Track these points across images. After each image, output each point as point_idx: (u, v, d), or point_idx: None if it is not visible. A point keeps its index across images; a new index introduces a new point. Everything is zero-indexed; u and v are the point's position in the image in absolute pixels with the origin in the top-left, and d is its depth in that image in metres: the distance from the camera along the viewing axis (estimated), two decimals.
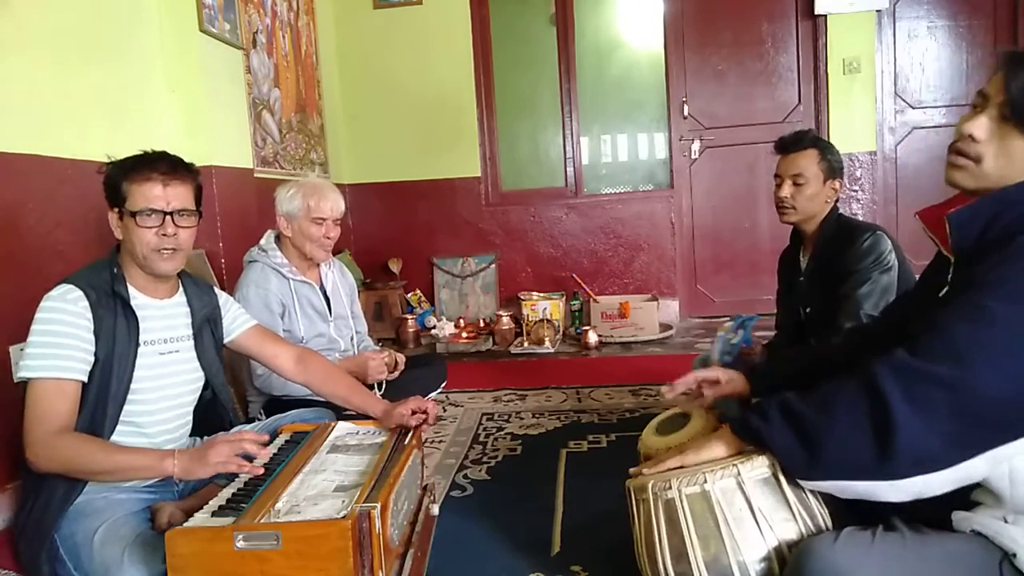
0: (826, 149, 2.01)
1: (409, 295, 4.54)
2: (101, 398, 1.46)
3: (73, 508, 1.42)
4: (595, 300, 4.16)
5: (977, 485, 1.02)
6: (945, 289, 1.14)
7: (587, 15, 4.54)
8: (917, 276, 1.41)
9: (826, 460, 1.03)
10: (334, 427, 1.68)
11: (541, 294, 4.23)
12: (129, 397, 1.50)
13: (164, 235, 1.50)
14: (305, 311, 2.30)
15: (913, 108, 4.35)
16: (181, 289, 1.67)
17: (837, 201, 2.05)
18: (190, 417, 1.69)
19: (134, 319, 1.52)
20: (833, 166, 2.01)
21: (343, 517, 1.16)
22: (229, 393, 1.81)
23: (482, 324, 4.33)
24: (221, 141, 2.87)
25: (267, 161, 3.47)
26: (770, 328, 2.39)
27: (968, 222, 1.08)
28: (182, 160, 1.57)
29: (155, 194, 1.49)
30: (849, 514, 1.11)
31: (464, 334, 4.11)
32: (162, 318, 1.60)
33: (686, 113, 4.45)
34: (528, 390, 3.08)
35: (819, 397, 1.07)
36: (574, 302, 4.32)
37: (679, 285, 4.50)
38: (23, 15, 2.06)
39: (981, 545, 1.01)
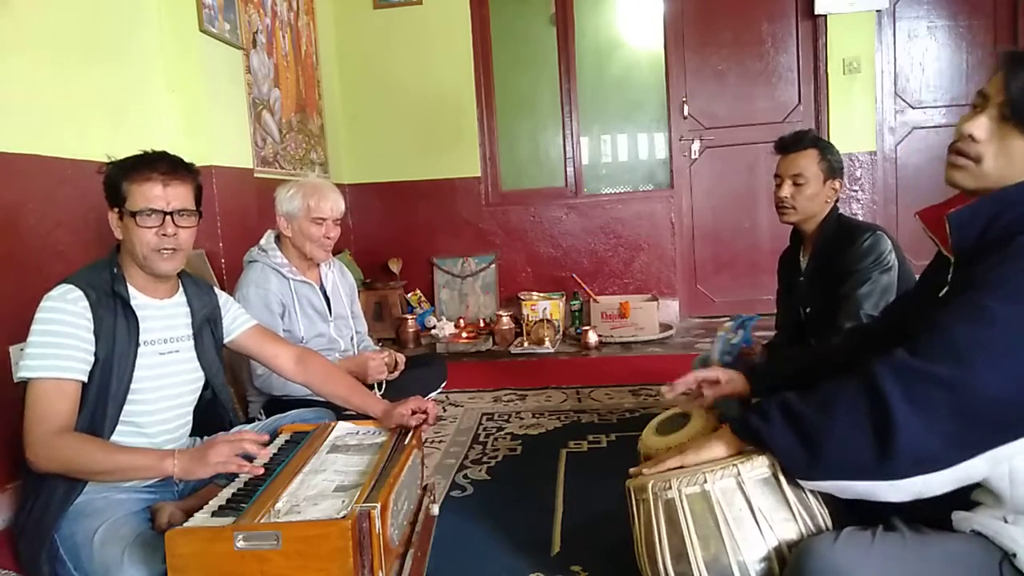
0: (826, 149, 2.01)
1: (409, 295, 4.54)
2: (101, 398, 1.46)
3: (73, 508, 1.42)
4: (595, 300, 4.16)
5: (977, 485, 1.02)
6: (945, 289, 1.14)
7: (587, 15, 4.54)
8: (917, 276, 1.41)
9: (826, 460, 1.03)
10: (334, 427, 1.68)
11: (541, 294, 4.23)
12: (129, 397, 1.50)
13: (164, 235, 1.50)
14: (305, 311, 2.30)
15: (913, 108, 4.35)
16: (181, 289, 1.67)
17: (837, 201, 2.05)
18: (190, 417, 1.69)
19: (134, 319, 1.52)
20: (833, 166, 2.01)
21: (343, 517, 1.16)
22: (229, 393, 1.81)
23: (482, 324, 4.33)
24: (221, 141, 2.87)
25: (267, 161, 3.47)
26: (770, 328, 2.39)
27: (968, 222, 1.08)
28: (182, 160, 1.57)
29: (155, 194, 1.49)
30: (849, 514, 1.11)
31: (464, 334, 4.11)
32: (162, 318, 1.60)
33: (686, 113, 4.45)
34: (528, 390, 3.08)
35: (819, 397, 1.07)
36: (574, 302, 4.32)
37: (679, 285, 4.50)
38: (23, 15, 2.06)
39: (981, 545, 1.01)
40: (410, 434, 1.59)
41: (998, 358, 0.95)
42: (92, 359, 1.45)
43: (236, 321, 1.79)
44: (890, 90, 4.35)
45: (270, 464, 1.42)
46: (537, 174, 4.70)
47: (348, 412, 1.86)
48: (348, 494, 1.28)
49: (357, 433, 1.67)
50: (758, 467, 1.11)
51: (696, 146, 4.48)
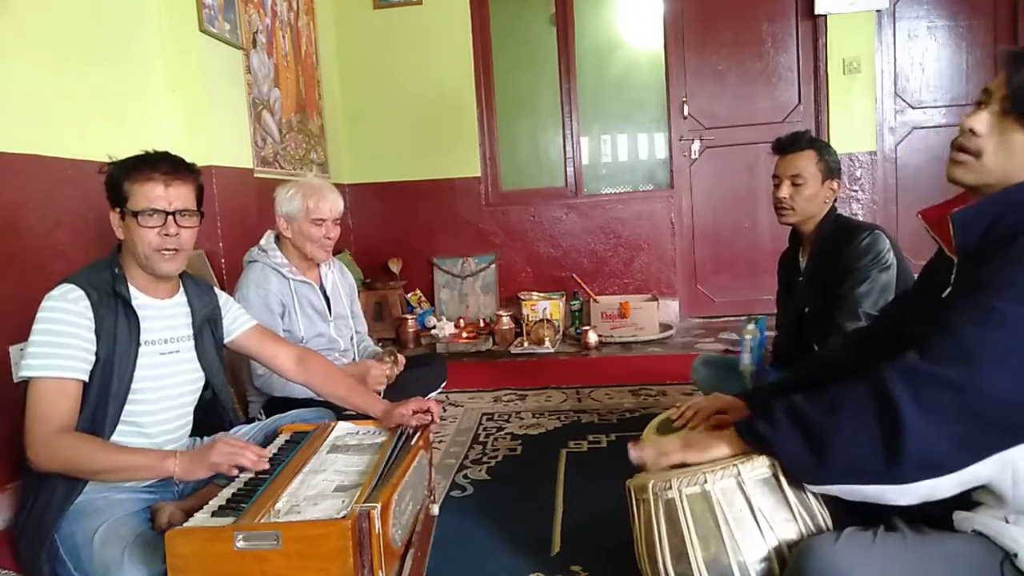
0: (824, 150, 2.01)
1: (409, 295, 4.54)
2: (102, 398, 1.46)
3: (73, 508, 1.42)
4: (595, 300, 4.16)
5: (979, 485, 1.02)
6: (948, 290, 1.13)
7: (587, 15, 4.54)
8: (915, 275, 1.41)
9: (834, 464, 1.02)
10: (334, 427, 1.68)
11: (541, 294, 4.23)
12: (130, 397, 1.50)
13: (166, 235, 1.50)
14: (305, 311, 2.30)
15: (913, 108, 4.36)
16: (182, 289, 1.67)
17: (835, 201, 2.05)
18: (190, 417, 1.69)
19: (135, 319, 1.52)
20: (831, 166, 2.01)
21: (343, 517, 1.16)
22: (229, 393, 1.81)
23: (482, 324, 4.33)
24: (221, 141, 2.87)
25: (267, 161, 3.47)
26: (771, 328, 2.38)
27: (972, 222, 1.07)
28: (184, 160, 1.57)
29: (157, 194, 1.49)
30: (850, 514, 1.11)
31: (464, 334, 4.11)
32: (163, 318, 1.60)
33: (686, 113, 4.45)
34: (528, 390, 3.08)
35: (826, 400, 1.06)
36: (574, 302, 4.32)
37: (679, 285, 4.50)
38: (23, 15, 2.06)
39: (982, 545, 1.01)
40: (417, 435, 1.59)
41: (1007, 360, 0.94)
42: (93, 359, 1.45)
43: (236, 321, 1.79)
44: (890, 90, 4.35)
45: (270, 464, 1.42)
46: (537, 174, 4.70)
47: (348, 412, 1.86)
48: (348, 494, 1.28)
49: (357, 433, 1.67)
50: (758, 467, 1.11)
51: (696, 146, 4.48)
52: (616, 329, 4.01)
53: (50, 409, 1.39)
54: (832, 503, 1.14)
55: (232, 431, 1.72)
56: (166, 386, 1.59)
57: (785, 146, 2.04)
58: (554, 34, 4.54)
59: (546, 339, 3.88)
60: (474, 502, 1.96)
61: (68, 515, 1.41)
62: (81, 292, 1.46)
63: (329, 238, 2.28)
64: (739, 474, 1.10)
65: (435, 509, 1.72)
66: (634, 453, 1.24)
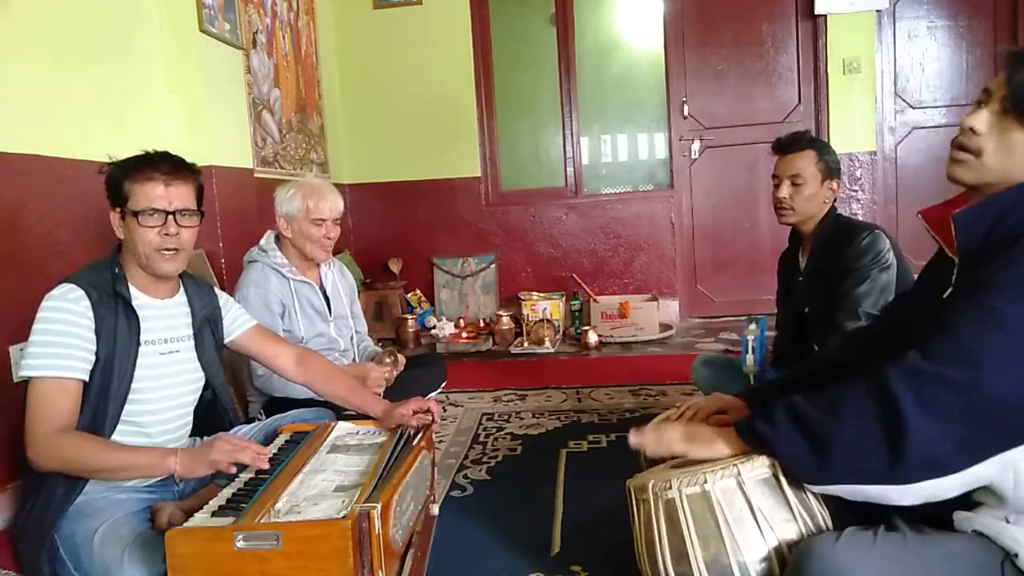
0: (823, 149, 2.01)
1: (409, 295, 4.54)
2: (102, 398, 1.46)
3: (73, 508, 1.42)
4: (595, 300, 4.16)
5: (980, 486, 1.01)
6: (949, 290, 1.13)
7: (587, 15, 4.54)
8: (916, 275, 1.41)
9: (836, 464, 1.02)
10: (334, 427, 1.67)
11: (541, 294, 4.23)
12: (130, 397, 1.50)
13: (166, 234, 1.50)
14: (305, 311, 2.30)
15: (913, 108, 4.36)
16: (182, 289, 1.67)
17: (835, 201, 2.05)
18: (190, 417, 1.69)
19: (135, 319, 1.52)
20: (831, 166, 2.01)
21: (343, 517, 1.16)
22: (229, 393, 1.81)
23: (482, 324, 4.33)
24: (221, 141, 2.87)
25: (267, 161, 3.47)
26: (771, 329, 2.38)
27: (974, 222, 1.07)
28: (184, 160, 1.57)
29: (157, 194, 1.49)
30: (850, 514, 1.11)
31: (464, 334, 4.11)
32: (163, 318, 1.60)
33: (686, 113, 4.45)
34: (528, 390, 3.08)
35: (827, 400, 1.06)
36: (574, 302, 4.32)
37: (679, 285, 4.50)
38: (23, 15, 2.06)
39: (983, 545, 1.01)
40: (419, 435, 1.59)
41: (1009, 360, 0.94)
42: (93, 358, 1.45)
43: (236, 321, 1.79)
44: (890, 90, 4.35)
45: (270, 464, 1.42)
46: (537, 174, 4.70)
47: (348, 412, 1.86)
48: (348, 494, 1.28)
49: (357, 433, 1.66)
50: (758, 467, 1.11)
51: (696, 146, 4.48)
52: (616, 329, 4.01)
53: (51, 408, 1.39)
54: (832, 503, 1.13)
55: (232, 431, 1.72)
56: (166, 386, 1.59)
57: (785, 146, 2.04)
58: (554, 34, 4.54)
59: (546, 339, 3.88)
60: (474, 502, 1.96)
61: (68, 515, 1.41)
62: (81, 292, 1.46)
63: (329, 238, 2.28)
64: (739, 474, 1.10)
65: (435, 509, 1.71)
66: (634, 438, 1.24)
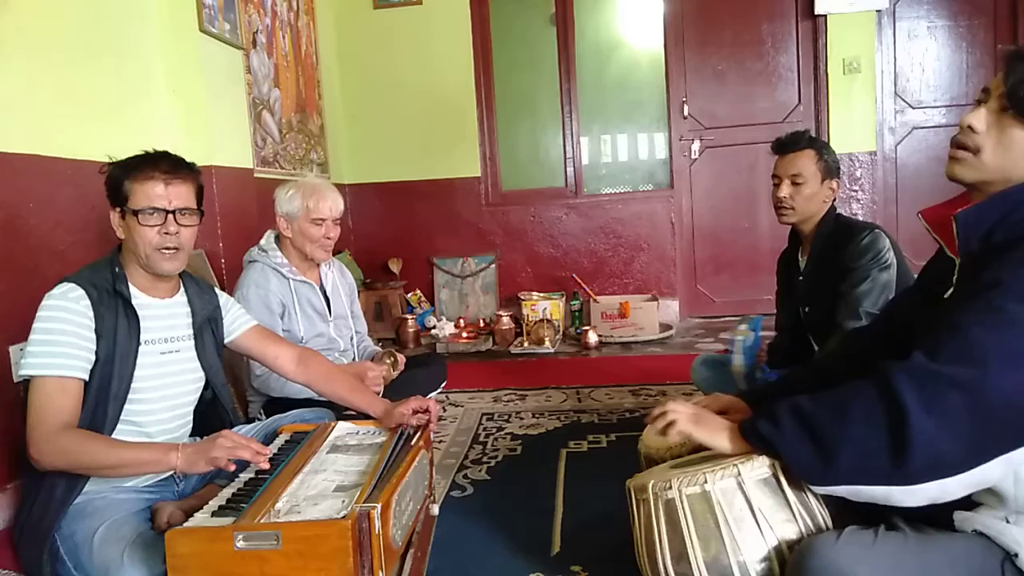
0: (823, 149, 2.01)
1: (409, 295, 4.54)
2: (102, 397, 1.46)
3: (73, 508, 1.42)
4: (595, 300, 4.16)
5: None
6: (950, 290, 1.13)
7: (587, 15, 4.54)
8: (915, 275, 1.41)
9: (840, 465, 1.01)
10: (334, 427, 1.67)
11: (541, 294, 4.23)
12: (130, 396, 1.50)
13: (166, 233, 1.50)
14: (305, 311, 2.30)
15: (913, 108, 4.36)
16: (182, 289, 1.67)
17: (835, 201, 2.05)
18: (190, 417, 1.69)
19: (135, 318, 1.52)
20: (830, 166, 2.01)
21: (343, 517, 1.16)
22: (229, 393, 1.81)
23: (482, 324, 4.33)
24: (221, 141, 2.87)
25: (267, 161, 3.47)
26: (770, 329, 2.39)
27: (976, 223, 1.07)
28: (184, 159, 1.57)
29: (157, 193, 1.49)
30: (850, 514, 1.11)
31: (464, 334, 4.11)
32: (163, 318, 1.60)
33: (686, 113, 4.45)
34: (528, 390, 3.08)
35: (831, 401, 1.05)
36: (574, 302, 4.32)
37: (679, 285, 4.50)
38: (23, 15, 2.05)
39: (983, 545, 1.01)
40: (418, 434, 1.59)
41: (1015, 360, 0.94)
42: (93, 357, 1.45)
43: (237, 321, 1.79)
44: (890, 90, 4.35)
45: (270, 464, 1.41)
46: (537, 174, 4.70)
47: (348, 412, 1.86)
48: (348, 494, 1.28)
49: (357, 433, 1.67)
50: (758, 467, 1.11)
51: (696, 146, 4.48)
52: (616, 329, 4.01)
53: (51, 407, 1.39)
54: (832, 503, 1.13)
55: (232, 431, 1.72)
56: (166, 385, 1.59)
57: (785, 146, 2.04)
58: (554, 34, 4.54)
59: (546, 339, 3.88)
60: (474, 502, 1.96)
61: (68, 515, 1.41)
62: (81, 291, 1.46)
63: (329, 238, 2.28)
64: (739, 474, 1.11)
65: (435, 509, 1.72)
66: (658, 409, 1.24)
